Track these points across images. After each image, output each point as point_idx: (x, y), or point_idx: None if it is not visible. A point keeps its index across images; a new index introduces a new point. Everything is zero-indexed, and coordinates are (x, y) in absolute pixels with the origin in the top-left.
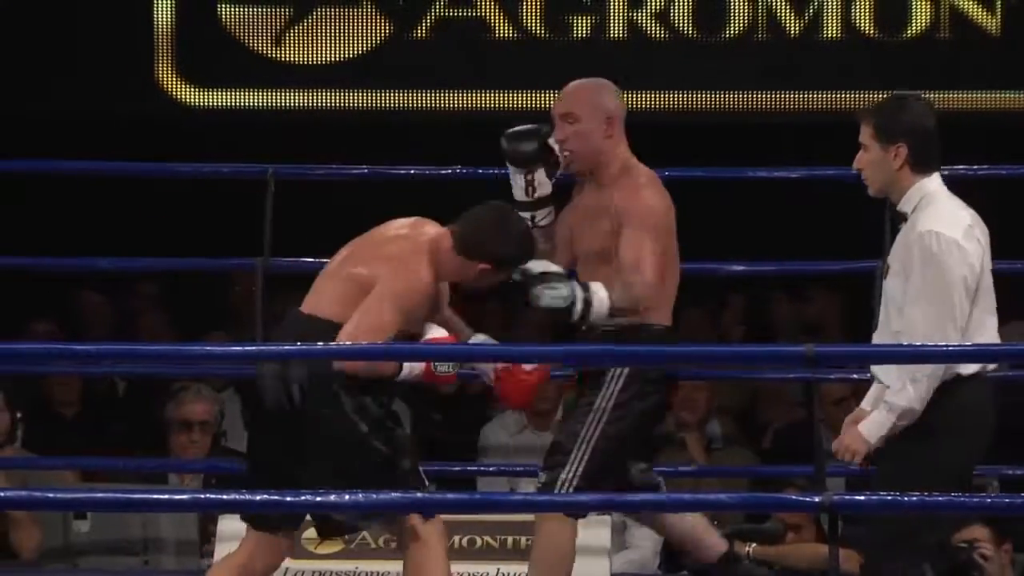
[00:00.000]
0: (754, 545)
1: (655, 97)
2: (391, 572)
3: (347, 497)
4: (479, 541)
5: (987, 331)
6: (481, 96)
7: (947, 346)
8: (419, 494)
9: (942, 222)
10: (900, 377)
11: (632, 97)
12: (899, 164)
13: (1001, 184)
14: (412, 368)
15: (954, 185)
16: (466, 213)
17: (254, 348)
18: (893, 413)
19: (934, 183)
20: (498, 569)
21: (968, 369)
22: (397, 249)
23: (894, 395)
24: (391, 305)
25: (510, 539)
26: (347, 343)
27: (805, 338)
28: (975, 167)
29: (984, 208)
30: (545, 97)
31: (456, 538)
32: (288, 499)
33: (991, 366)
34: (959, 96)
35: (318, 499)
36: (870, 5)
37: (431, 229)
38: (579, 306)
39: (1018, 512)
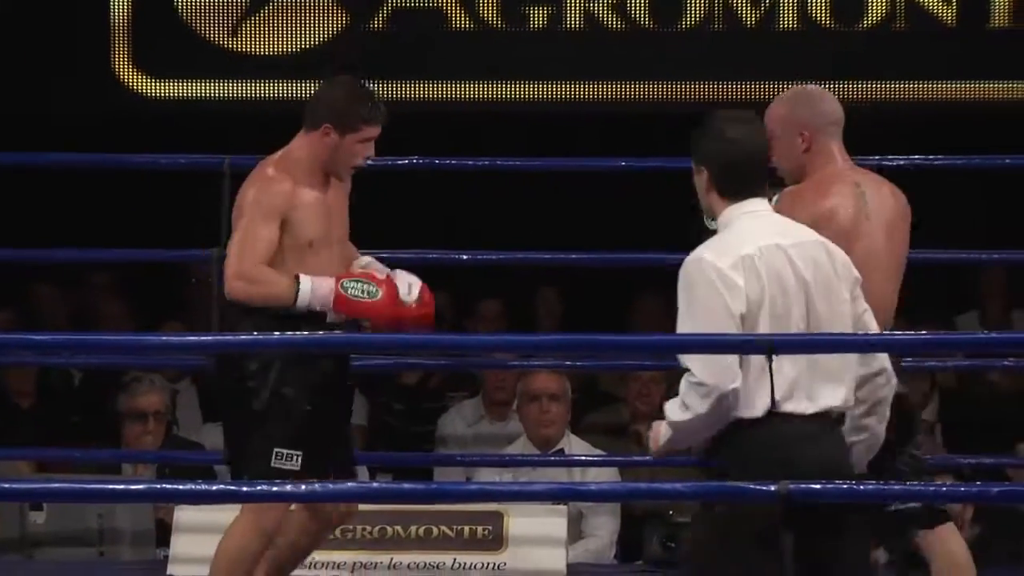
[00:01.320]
0: None
1: (611, 87)
2: (346, 562)
3: (303, 487)
4: (435, 531)
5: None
6: (437, 87)
7: (914, 334)
8: (375, 484)
9: (713, 250)
10: (680, 396)
11: (588, 87)
12: (705, 188)
13: (960, 174)
14: (315, 292)
15: (908, 175)
16: None
17: (210, 339)
18: (667, 423)
19: (743, 209)
20: (455, 559)
21: (755, 412)
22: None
23: (671, 409)
24: (250, 215)
25: (466, 529)
26: (235, 280)
27: None
28: (931, 157)
29: (946, 196)
30: (500, 88)
31: (413, 528)
32: (244, 489)
33: (792, 407)
34: (916, 87)
35: (274, 488)
36: None
37: None
38: None
39: (978, 500)
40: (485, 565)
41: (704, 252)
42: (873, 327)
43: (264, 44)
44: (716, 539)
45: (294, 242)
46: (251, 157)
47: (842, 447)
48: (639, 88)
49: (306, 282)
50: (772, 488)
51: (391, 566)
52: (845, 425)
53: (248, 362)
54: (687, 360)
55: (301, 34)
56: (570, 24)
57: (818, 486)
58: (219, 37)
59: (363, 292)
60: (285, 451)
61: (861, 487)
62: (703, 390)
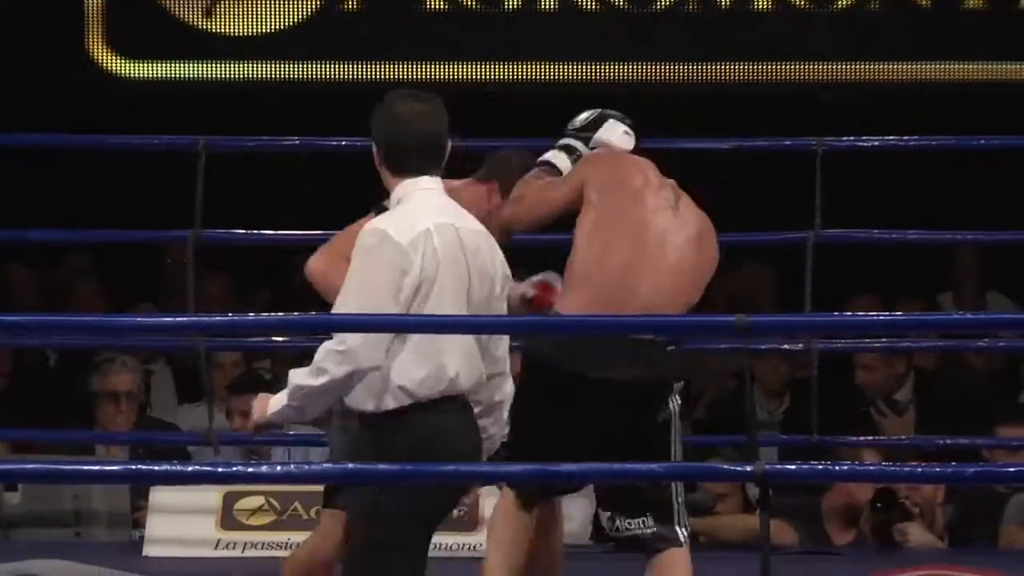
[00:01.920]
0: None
1: (587, 68)
2: None
3: (278, 468)
4: None
5: (440, 341)
6: (413, 67)
7: (876, 316)
8: (351, 465)
9: (393, 224)
10: (315, 362)
11: (565, 68)
12: (378, 163)
13: (936, 155)
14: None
15: (883, 156)
16: None
17: (186, 320)
18: (289, 391)
19: (417, 186)
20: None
21: (391, 404)
22: None
23: (297, 374)
24: None
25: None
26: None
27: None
28: (905, 138)
29: (922, 177)
30: (477, 69)
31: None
32: (219, 470)
33: (426, 393)
34: (889, 68)
35: (250, 469)
36: None
37: None
38: None
39: (953, 481)
40: (460, 546)
41: (385, 225)
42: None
43: (239, 25)
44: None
45: None
46: (226, 138)
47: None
48: (625, 69)
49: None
50: (749, 469)
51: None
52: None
53: None
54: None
55: (276, 15)
56: (545, 5)
57: (793, 467)
58: (194, 18)
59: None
60: None
61: (836, 468)
62: (344, 358)
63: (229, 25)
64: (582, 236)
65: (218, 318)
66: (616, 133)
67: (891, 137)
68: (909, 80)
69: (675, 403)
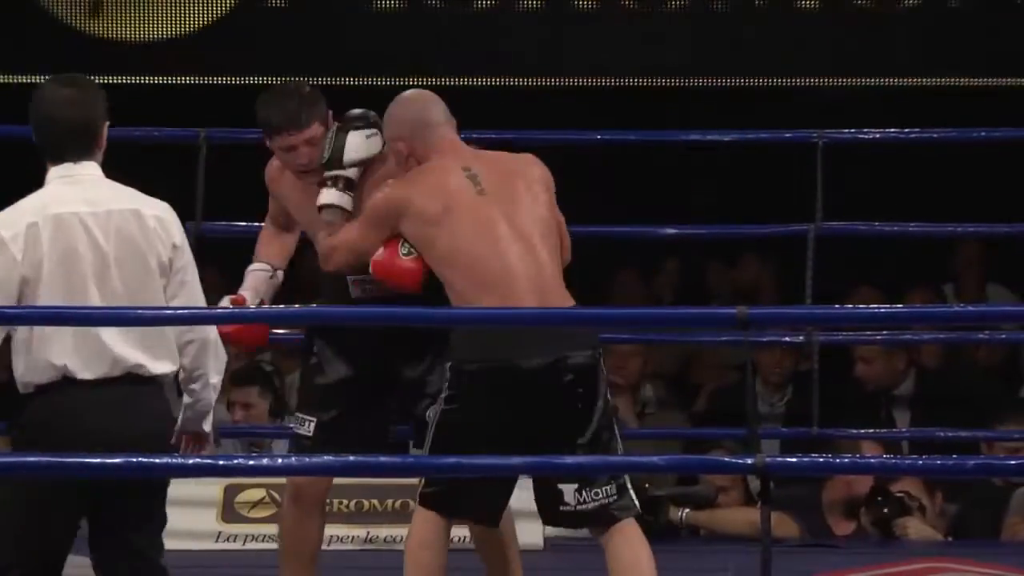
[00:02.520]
0: (687, 510)
1: (585, 64)
2: (359, 535)
3: (279, 461)
4: (412, 504)
5: (55, 342)
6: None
7: (876, 308)
8: (351, 457)
9: (3, 216)
10: None
11: (560, 64)
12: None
13: (935, 147)
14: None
15: (883, 148)
16: None
17: (187, 312)
18: None
19: (58, 173)
20: None
21: (42, 378)
22: None
23: None
24: None
25: None
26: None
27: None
28: (906, 130)
29: (921, 170)
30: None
31: (389, 501)
32: (220, 463)
33: (86, 374)
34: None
35: (251, 462)
36: None
37: None
38: None
39: (953, 474)
40: (462, 538)
41: None
42: (200, 300)
43: None
44: None
45: None
46: (228, 130)
47: (144, 412)
48: (619, 63)
49: None
50: (750, 462)
51: (367, 539)
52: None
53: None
54: None
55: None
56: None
57: (794, 459)
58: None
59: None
60: (301, 416)
61: (838, 460)
62: None
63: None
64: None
65: (219, 311)
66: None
67: (892, 129)
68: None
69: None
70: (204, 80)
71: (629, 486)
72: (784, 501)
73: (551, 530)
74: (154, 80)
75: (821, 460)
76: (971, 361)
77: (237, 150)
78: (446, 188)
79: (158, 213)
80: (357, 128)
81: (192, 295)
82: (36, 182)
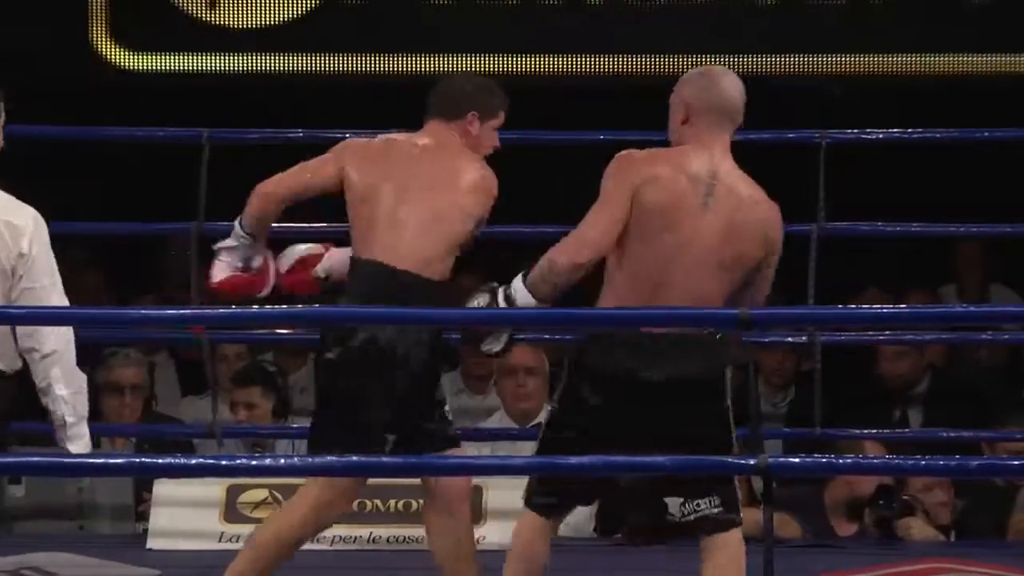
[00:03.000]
0: None
1: (593, 61)
2: (324, 535)
3: (282, 461)
4: (415, 504)
5: None
6: (418, 60)
7: (879, 309)
8: (354, 457)
9: None
10: None
11: (568, 61)
12: None
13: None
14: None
15: (886, 148)
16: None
17: (189, 312)
18: None
19: None
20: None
21: None
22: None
23: None
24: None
25: None
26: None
27: None
28: (909, 130)
29: (923, 169)
30: (482, 60)
31: (392, 502)
32: (223, 463)
33: None
34: (894, 60)
35: (253, 462)
36: None
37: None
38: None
39: (957, 474)
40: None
41: None
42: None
43: (243, 17)
44: None
45: None
46: (230, 130)
47: None
48: (622, 62)
49: None
50: (752, 462)
51: (370, 540)
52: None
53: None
54: None
55: (281, 7)
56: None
57: (797, 460)
58: (198, 10)
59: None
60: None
61: (840, 461)
62: None
63: (233, 17)
64: None
65: (221, 310)
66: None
67: (895, 129)
68: (914, 73)
69: (729, 394)
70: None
71: (736, 497)
72: (787, 501)
73: (567, 530)
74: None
75: (824, 460)
76: (974, 361)
77: (240, 150)
78: (675, 186)
79: (12, 219)
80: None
81: (38, 302)
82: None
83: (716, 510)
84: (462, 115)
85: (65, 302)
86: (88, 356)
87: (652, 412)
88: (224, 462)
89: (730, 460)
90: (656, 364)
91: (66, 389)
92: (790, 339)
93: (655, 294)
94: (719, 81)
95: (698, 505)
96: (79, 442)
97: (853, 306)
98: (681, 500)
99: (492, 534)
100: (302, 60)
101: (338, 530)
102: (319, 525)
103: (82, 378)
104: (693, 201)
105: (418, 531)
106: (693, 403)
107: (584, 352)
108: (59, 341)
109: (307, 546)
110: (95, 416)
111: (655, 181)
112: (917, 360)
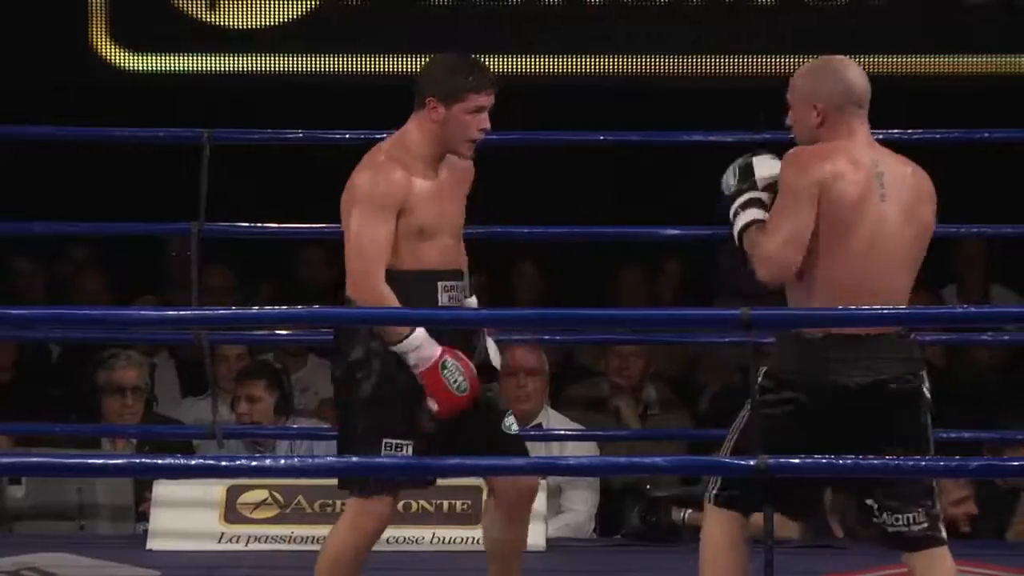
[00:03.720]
0: (689, 511)
1: (594, 61)
2: (325, 537)
3: (282, 462)
4: (414, 505)
5: None
6: (417, 61)
7: (880, 309)
8: (354, 458)
9: None
10: None
11: (571, 62)
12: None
13: (938, 148)
14: (419, 351)
15: (891, 148)
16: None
17: (189, 313)
18: None
19: None
20: (433, 533)
21: None
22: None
23: None
24: (363, 209)
25: (445, 503)
26: (362, 290)
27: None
28: (910, 131)
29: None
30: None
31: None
32: (223, 464)
33: None
34: (901, 60)
35: (253, 463)
36: None
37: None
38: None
39: (956, 476)
40: (464, 539)
41: None
42: None
43: (243, 18)
44: None
45: (405, 230)
46: (231, 131)
47: None
48: (622, 62)
49: (417, 338)
50: (751, 463)
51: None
52: None
53: (351, 350)
54: None
55: (281, 8)
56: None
57: (796, 460)
58: (198, 11)
59: (454, 383)
60: (395, 441)
61: (840, 461)
62: None
63: (234, 18)
64: None
65: (222, 311)
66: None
67: (895, 130)
68: (912, 73)
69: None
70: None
71: (939, 512)
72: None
73: (552, 531)
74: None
75: (823, 461)
76: (974, 362)
77: (240, 151)
78: (857, 178)
79: None
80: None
81: None
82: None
83: (919, 527)
84: (422, 103)
85: None
86: (89, 357)
87: (854, 417)
88: (224, 463)
89: (727, 460)
90: (859, 368)
91: None
92: None
93: (854, 295)
94: (845, 73)
95: (896, 519)
96: None
97: (853, 307)
98: (876, 506)
99: None
100: (302, 60)
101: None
102: (368, 541)
103: None
104: (874, 194)
105: (417, 532)
106: (894, 408)
107: (779, 358)
108: None
109: (307, 547)
110: (96, 417)
111: (841, 177)
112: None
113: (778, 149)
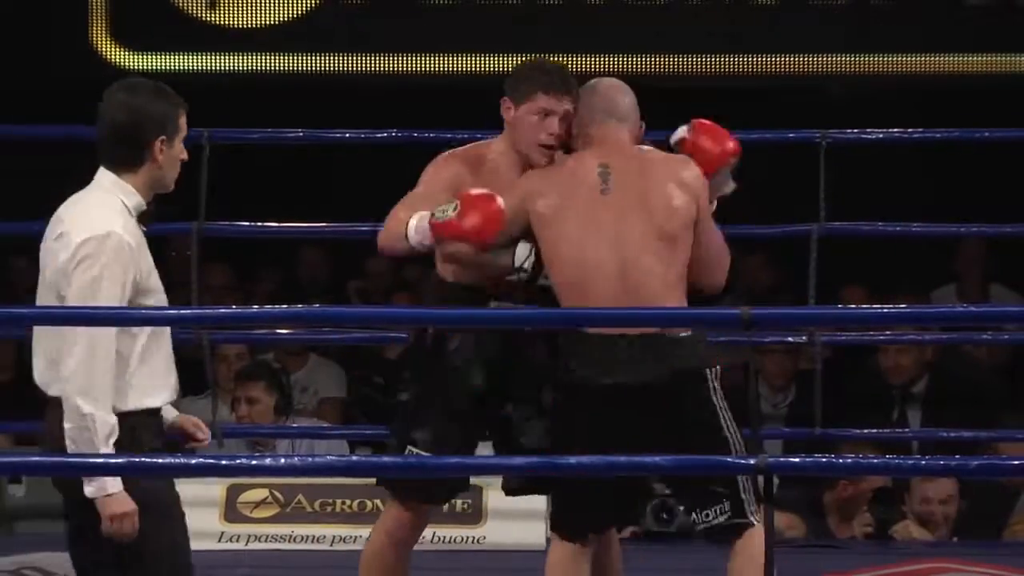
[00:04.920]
0: None
1: (595, 61)
2: (325, 536)
3: (283, 461)
4: None
5: None
6: (418, 60)
7: (880, 309)
8: (355, 457)
9: None
10: None
11: (573, 60)
12: None
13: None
14: (418, 225)
15: (886, 148)
16: None
17: (190, 312)
18: None
19: None
20: (434, 533)
21: None
22: None
23: None
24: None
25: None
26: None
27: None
28: (910, 130)
29: (925, 170)
30: (482, 61)
31: None
32: (223, 463)
33: None
34: (901, 60)
35: (253, 462)
36: None
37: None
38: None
39: (957, 475)
40: (464, 539)
41: None
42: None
43: (243, 17)
44: None
45: None
46: (231, 130)
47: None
48: (622, 63)
49: (415, 217)
50: (751, 462)
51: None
52: None
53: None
54: None
55: (281, 7)
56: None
57: (796, 460)
58: (197, 10)
59: (441, 212)
60: (416, 451)
61: (840, 461)
62: None
63: (233, 17)
64: None
65: (222, 310)
66: None
67: (895, 129)
68: (914, 73)
69: (717, 394)
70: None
71: (746, 496)
72: (791, 502)
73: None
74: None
75: (823, 460)
76: (974, 361)
77: (239, 151)
78: (566, 184)
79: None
80: None
81: None
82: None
83: (723, 517)
84: (503, 103)
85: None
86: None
87: (630, 417)
88: (224, 462)
89: (729, 460)
90: (626, 368)
91: (68, 423)
92: (791, 339)
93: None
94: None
95: (706, 516)
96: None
97: (853, 306)
98: (684, 509)
99: (492, 534)
100: (302, 60)
101: (338, 530)
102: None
103: (94, 417)
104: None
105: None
106: (673, 405)
107: (561, 362)
108: (74, 363)
109: (307, 546)
110: None
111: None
112: (919, 356)
113: (779, 149)
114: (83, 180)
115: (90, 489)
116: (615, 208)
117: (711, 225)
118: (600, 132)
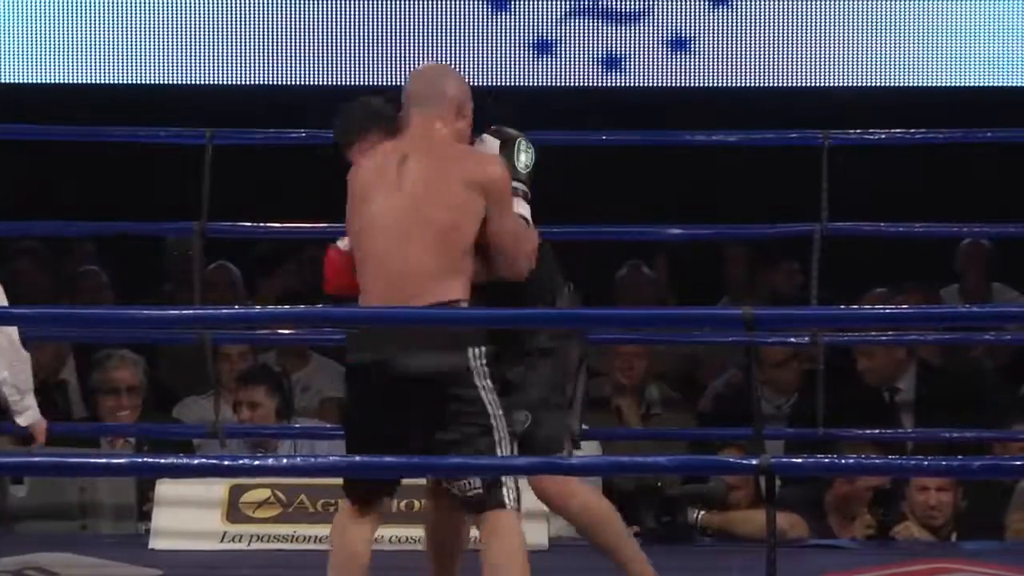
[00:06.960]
0: (703, 513)
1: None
2: (327, 536)
3: (284, 461)
4: (417, 504)
5: None
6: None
7: (881, 309)
8: (357, 458)
9: None
10: None
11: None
12: None
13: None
14: None
15: (891, 150)
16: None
17: (192, 312)
18: None
19: None
20: None
21: None
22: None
23: None
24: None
25: None
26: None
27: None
28: (912, 131)
29: (926, 170)
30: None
31: (395, 502)
32: (226, 463)
33: None
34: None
35: (256, 462)
36: None
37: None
38: None
39: (960, 475)
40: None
41: None
42: None
43: None
44: None
45: None
46: (234, 131)
47: None
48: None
49: None
50: (754, 462)
51: (374, 540)
52: None
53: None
54: None
55: None
56: None
57: (799, 460)
58: None
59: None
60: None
61: (842, 461)
62: None
63: None
64: None
65: (224, 311)
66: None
67: (897, 130)
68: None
69: (481, 378)
70: None
71: (503, 483)
72: (794, 502)
73: (555, 530)
74: None
75: (826, 460)
76: (975, 361)
77: (242, 151)
78: (369, 174)
79: None
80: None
81: None
82: None
83: (477, 490)
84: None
85: None
86: (89, 357)
87: (395, 403)
88: (227, 462)
89: (732, 460)
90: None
91: (5, 371)
92: (793, 339)
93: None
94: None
95: (464, 486)
96: (25, 415)
97: (855, 306)
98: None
99: None
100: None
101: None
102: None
103: (22, 356)
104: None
105: (418, 532)
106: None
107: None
108: None
109: (310, 546)
110: (92, 418)
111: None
112: (892, 354)
113: (779, 149)
114: (83, 180)
115: None
116: (405, 199)
117: (504, 217)
118: (409, 118)
